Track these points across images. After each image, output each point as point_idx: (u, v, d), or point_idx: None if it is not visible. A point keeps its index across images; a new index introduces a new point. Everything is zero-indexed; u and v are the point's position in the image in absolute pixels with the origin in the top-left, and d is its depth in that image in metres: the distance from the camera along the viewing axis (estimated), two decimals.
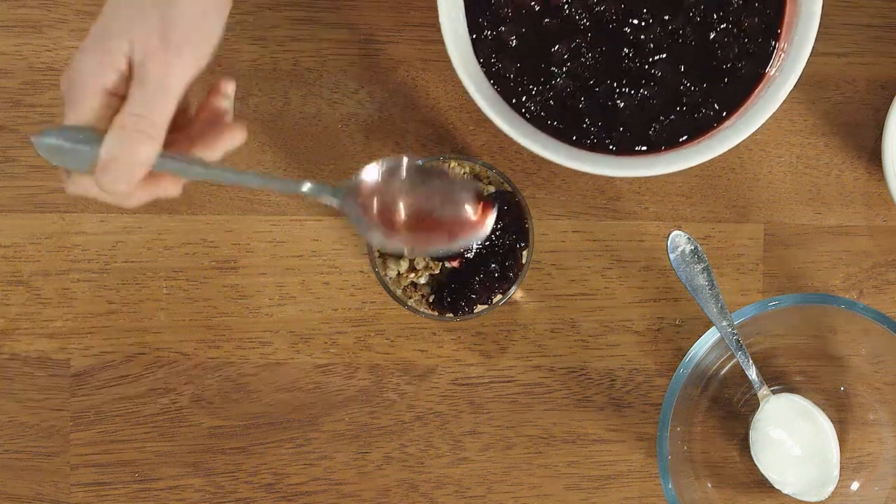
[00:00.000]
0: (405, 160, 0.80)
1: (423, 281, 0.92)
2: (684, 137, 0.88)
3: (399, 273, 0.92)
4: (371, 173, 0.79)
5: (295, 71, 0.97)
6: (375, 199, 0.79)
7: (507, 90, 0.88)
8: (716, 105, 0.88)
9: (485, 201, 0.82)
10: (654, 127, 0.88)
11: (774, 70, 0.87)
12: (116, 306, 0.98)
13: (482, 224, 0.81)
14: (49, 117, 0.97)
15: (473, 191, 0.81)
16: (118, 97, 0.75)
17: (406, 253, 0.87)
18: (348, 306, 0.97)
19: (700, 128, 0.88)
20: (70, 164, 0.75)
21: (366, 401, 0.98)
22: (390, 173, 0.80)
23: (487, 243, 0.91)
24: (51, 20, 0.97)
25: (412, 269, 0.92)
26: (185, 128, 0.78)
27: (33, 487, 0.98)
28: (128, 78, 0.75)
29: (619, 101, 0.87)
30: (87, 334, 0.98)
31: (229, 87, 0.79)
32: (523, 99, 0.88)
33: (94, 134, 0.74)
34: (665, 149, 0.88)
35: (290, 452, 0.98)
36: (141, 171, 0.74)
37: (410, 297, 0.93)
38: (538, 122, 0.88)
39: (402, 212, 0.80)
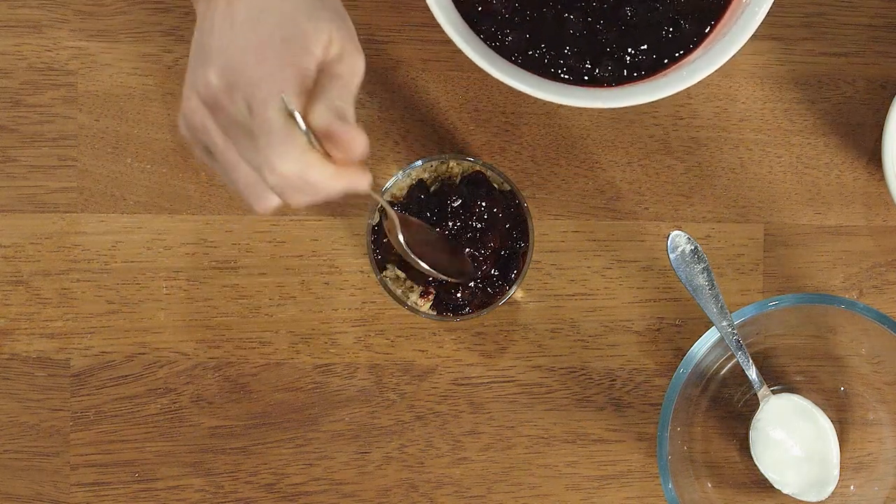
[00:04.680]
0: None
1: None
2: (644, 72, 0.88)
3: (398, 272, 0.92)
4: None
5: None
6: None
7: (476, 21, 0.88)
8: (686, 33, 0.88)
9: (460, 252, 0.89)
10: (625, 58, 0.88)
11: None
12: (116, 306, 0.98)
13: (465, 272, 0.89)
14: (49, 117, 0.97)
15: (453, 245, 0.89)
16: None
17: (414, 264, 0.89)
18: (348, 306, 0.97)
19: (665, 60, 0.88)
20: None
21: (366, 401, 0.98)
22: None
23: (489, 245, 0.91)
24: (51, 20, 0.97)
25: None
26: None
27: (33, 487, 0.98)
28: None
29: (594, 33, 0.88)
30: (87, 334, 0.98)
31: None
32: (489, 28, 0.88)
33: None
34: (630, 82, 0.88)
35: (290, 452, 0.98)
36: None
37: (410, 297, 0.93)
38: (507, 54, 0.88)
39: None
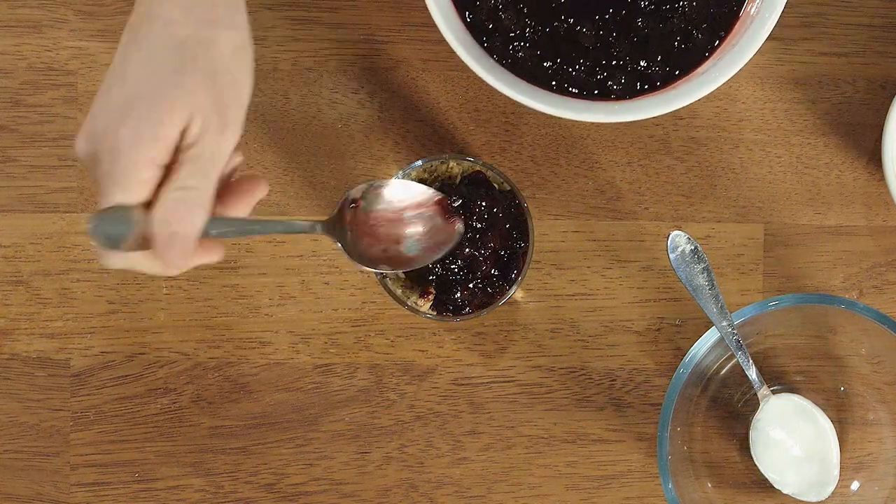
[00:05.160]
0: (369, 184, 0.85)
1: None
2: (657, 84, 0.88)
3: (399, 273, 0.92)
4: (347, 201, 0.84)
5: (295, 71, 0.97)
6: (354, 227, 0.85)
7: (483, 35, 0.88)
8: (699, 43, 0.88)
9: (451, 210, 0.87)
10: (635, 71, 0.88)
11: (753, 7, 0.87)
12: (116, 306, 0.98)
13: (451, 232, 0.86)
14: (49, 117, 0.97)
15: (437, 199, 0.87)
16: (162, 168, 0.74)
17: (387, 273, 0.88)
18: (348, 306, 0.97)
19: (678, 71, 0.88)
20: (115, 246, 0.73)
21: (366, 401, 0.98)
22: (362, 197, 0.86)
23: (489, 245, 0.91)
24: (51, 20, 0.97)
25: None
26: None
27: (33, 487, 0.98)
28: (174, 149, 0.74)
29: (607, 46, 0.88)
30: (87, 334, 0.98)
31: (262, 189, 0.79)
32: (498, 44, 0.88)
33: (135, 212, 0.73)
34: (636, 96, 0.88)
35: (290, 452, 0.98)
36: (194, 242, 0.74)
37: (410, 297, 0.93)
38: (515, 68, 0.88)
39: (378, 234, 0.85)
